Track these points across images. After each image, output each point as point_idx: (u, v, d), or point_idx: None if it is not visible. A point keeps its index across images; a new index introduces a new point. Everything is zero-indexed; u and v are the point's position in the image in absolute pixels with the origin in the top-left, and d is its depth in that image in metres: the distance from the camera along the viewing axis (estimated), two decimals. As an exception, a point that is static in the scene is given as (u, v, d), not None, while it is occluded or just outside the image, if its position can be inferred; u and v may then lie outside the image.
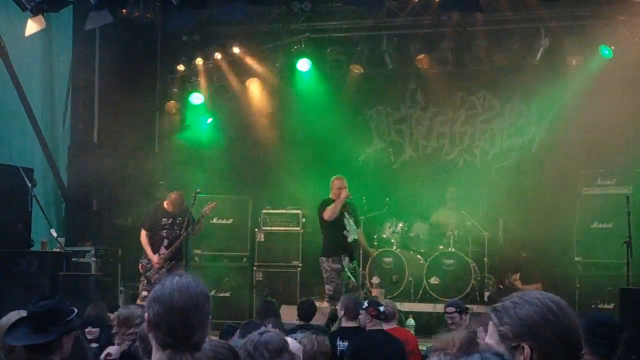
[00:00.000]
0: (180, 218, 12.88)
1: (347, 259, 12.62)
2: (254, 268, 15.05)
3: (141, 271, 12.85)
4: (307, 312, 10.24)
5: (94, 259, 13.44)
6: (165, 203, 13.10)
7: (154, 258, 12.74)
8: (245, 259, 15.21)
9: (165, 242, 12.82)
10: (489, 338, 2.77)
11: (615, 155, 13.72)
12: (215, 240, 14.93)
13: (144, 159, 15.83)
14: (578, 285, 13.39)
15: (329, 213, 12.63)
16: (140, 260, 12.90)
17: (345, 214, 12.71)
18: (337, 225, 12.67)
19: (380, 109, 16.53)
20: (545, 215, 14.20)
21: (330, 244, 12.71)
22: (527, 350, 2.66)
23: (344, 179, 12.88)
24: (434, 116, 16.26)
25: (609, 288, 12.65)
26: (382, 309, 8.92)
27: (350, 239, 12.70)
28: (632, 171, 13.60)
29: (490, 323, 2.77)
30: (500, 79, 15.43)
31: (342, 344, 8.88)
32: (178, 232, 12.82)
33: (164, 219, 12.95)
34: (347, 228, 12.68)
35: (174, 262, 12.79)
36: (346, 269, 12.55)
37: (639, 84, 13.95)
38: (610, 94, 13.88)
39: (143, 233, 12.96)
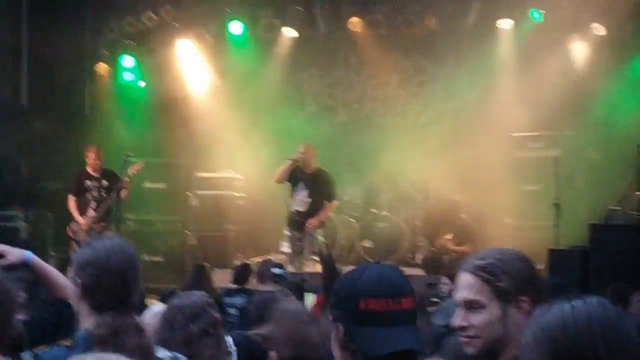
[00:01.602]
0: (105, 180, 12.71)
1: (289, 230, 12.66)
2: (187, 232, 14.98)
3: (71, 235, 12.69)
4: (242, 275, 10.24)
5: (24, 224, 13.25)
6: (87, 166, 12.90)
7: (81, 220, 12.57)
8: (178, 223, 15.13)
9: (93, 204, 12.64)
10: (467, 292, 2.83)
11: (544, 119, 13.90)
12: (148, 204, 14.81)
13: (74, 122, 15.57)
14: (508, 247, 13.55)
15: (275, 175, 12.64)
16: (69, 225, 12.74)
17: (301, 183, 12.62)
18: (289, 192, 12.67)
19: (314, 72, 16.50)
20: (476, 178, 14.34)
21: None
22: (528, 302, 2.75)
23: (308, 146, 12.79)
24: (367, 79, 16.29)
25: (538, 249, 12.86)
26: (277, 271, 9.03)
27: (292, 209, 12.67)
28: (560, 134, 13.82)
29: (471, 278, 2.83)
30: (432, 42, 15.50)
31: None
32: (105, 194, 12.65)
33: (87, 181, 12.73)
34: (294, 196, 12.64)
35: (103, 224, 12.64)
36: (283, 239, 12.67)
37: (567, 48, 14.14)
38: (540, 57, 14.04)
39: (70, 198, 12.78)
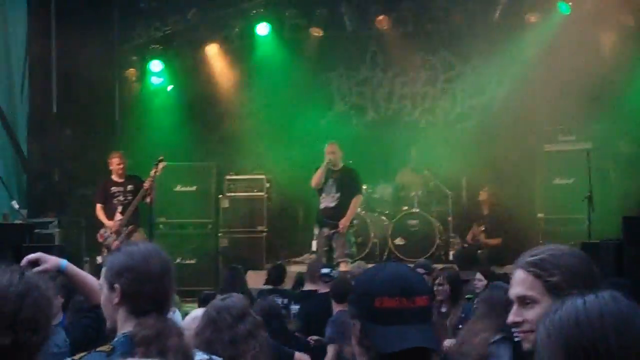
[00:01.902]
0: (131, 185, 12.75)
1: (318, 227, 12.69)
2: (219, 234, 15.03)
3: (100, 240, 12.72)
4: (277, 276, 10.31)
5: (58, 230, 13.34)
6: (111, 173, 12.95)
7: (110, 223, 12.59)
8: (210, 226, 15.17)
9: (120, 208, 12.66)
10: (519, 288, 2.85)
11: (574, 112, 13.80)
12: (179, 208, 14.88)
13: (104, 129, 15.68)
14: (541, 241, 13.49)
15: (313, 180, 12.68)
16: (99, 231, 12.77)
17: (330, 180, 12.67)
18: (319, 191, 12.72)
19: (341, 71, 16.52)
20: (508, 172, 14.29)
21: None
22: None
23: (333, 144, 12.81)
24: (395, 77, 16.28)
25: (572, 243, 12.76)
26: (326, 271, 9.11)
27: (322, 206, 12.69)
28: (591, 127, 13.73)
29: (524, 274, 2.84)
30: (460, 38, 15.47)
31: (294, 307, 9.05)
32: (131, 198, 12.70)
33: (113, 188, 12.73)
34: (323, 194, 12.68)
35: (131, 226, 12.66)
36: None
37: (596, 39, 14.05)
38: (569, 50, 13.94)
39: (98, 207, 12.76)
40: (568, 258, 2.81)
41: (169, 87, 16.27)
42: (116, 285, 3.36)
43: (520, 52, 14.80)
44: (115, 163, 12.86)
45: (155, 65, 16.01)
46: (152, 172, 12.46)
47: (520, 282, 2.85)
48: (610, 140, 13.82)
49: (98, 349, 3.31)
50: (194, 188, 15.13)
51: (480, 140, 14.78)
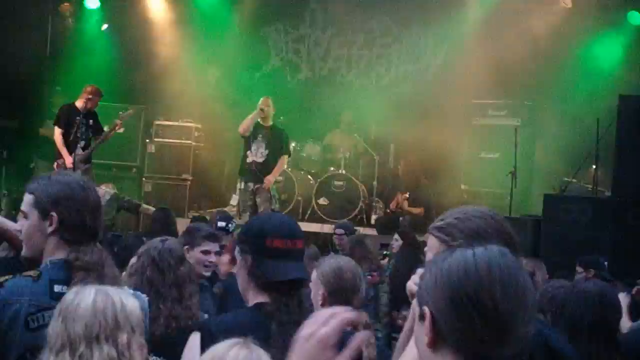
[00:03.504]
0: (92, 120, 12.54)
1: (244, 181, 12.65)
2: (143, 179, 14.91)
3: (56, 170, 12.37)
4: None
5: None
6: (79, 101, 12.65)
7: (68, 159, 12.31)
8: (134, 170, 15.04)
9: (82, 142, 12.40)
10: (429, 253, 2.84)
11: (506, 88, 13.98)
12: (105, 149, 14.67)
13: (33, 62, 15.33)
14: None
15: (241, 127, 12.60)
16: (56, 160, 12.43)
17: (260, 136, 12.61)
18: (245, 145, 12.66)
19: (279, 27, 16.41)
20: (435, 142, 14.41)
21: (240, 162, 12.81)
22: None
23: (268, 99, 12.68)
24: (332, 37, 16.24)
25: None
26: (222, 224, 9.11)
27: (249, 160, 12.64)
28: (522, 104, 13.93)
29: (433, 239, 2.85)
30: (400, 4, 15.46)
31: None
32: (90, 134, 12.48)
33: (77, 117, 12.45)
34: (252, 148, 12.62)
35: (88, 165, 12.49)
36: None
37: (532, 17, 14.19)
38: (505, 27, 14.06)
39: (57, 131, 12.40)
40: (474, 221, 2.80)
41: (104, 26, 15.97)
42: (53, 214, 3.32)
43: (459, 24, 14.88)
44: (89, 92, 12.55)
45: (91, 2, 15.70)
46: (122, 115, 12.67)
47: (430, 247, 2.86)
48: (539, 119, 14.05)
49: (24, 274, 3.28)
50: (120, 130, 14.94)
51: (411, 107, 14.83)
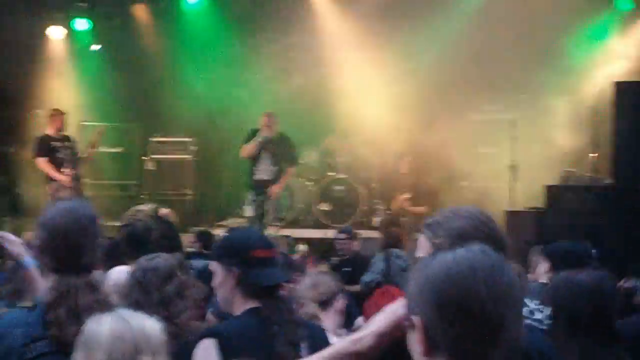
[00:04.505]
0: (68, 142, 12.61)
1: (253, 194, 12.65)
2: (143, 197, 14.89)
3: (50, 194, 12.38)
4: (206, 241, 10.22)
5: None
6: (48, 128, 12.73)
7: (62, 177, 12.36)
8: (134, 188, 15.03)
9: (67, 163, 12.46)
10: (420, 251, 2.87)
11: (501, 81, 13.95)
12: (104, 169, 14.70)
13: (25, 86, 15.32)
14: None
15: (243, 152, 12.67)
16: (48, 184, 12.46)
17: (265, 152, 12.60)
18: (253, 161, 12.65)
19: (270, 35, 16.38)
20: (433, 140, 14.37)
21: (247, 177, 12.81)
22: None
23: (270, 116, 12.70)
24: (323, 43, 16.21)
25: (495, 211, 12.93)
26: None
27: (256, 177, 12.64)
28: (517, 97, 13.90)
29: (422, 237, 2.88)
30: (389, 4, 15.43)
31: None
32: (72, 155, 12.54)
33: (52, 142, 12.57)
34: (258, 165, 12.62)
35: (78, 182, 12.57)
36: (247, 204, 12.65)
37: (524, 11, 14.16)
38: (497, 20, 14.03)
39: (40, 160, 12.52)
40: (457, 220, 2.82)
41: (94, 47, 15.96)
42: (36, 240, 3.33)
43: (451, 19, 14.85)
44: (60, 119, 12.69)
45: (81, 23, 15.70)
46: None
47: (419, 244, 2.90)
48: (535, 111, 14.00)
49: (21, 305, 3.30)
50: (119, 150, 14.95)
51: (407, 107, 14.81)
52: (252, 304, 3.62)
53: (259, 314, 3.60)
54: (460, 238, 2.70)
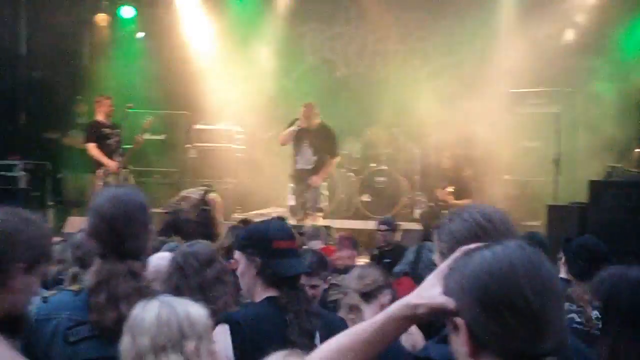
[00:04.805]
0: (117, 129, 12.79)
1: (295, 183, 12.65)
2: (184, 184, 14.94)
3: (99, 180, 12.50)
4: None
5: (23, 174, 13.20)
6: (97, 114, 12.88)
7: (111, 163, 12.54)
8: (176, 175, 15.11)
9: (117, 150, 12.68)
10: (435, 253, 2.87)
11: (545, 74, 13.83)
12: (147, 156, 14.78)
13: (73, 72, 15.49)
14: (507, 203, 13.56)
15: (281, 138, 12.65)
16: (96, 171, 12.62)
17: (305, 143, 12.56)
18: (293, 151, 12.65)
19: (314, 25, 16.41)
20: (476, 133, 14.29)
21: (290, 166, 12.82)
22: None
23: (310, 107, 12.43)
24: (368, 34, 16.20)
25: (538, 205, 12.85)
26: None
27: (298, 166, 12.64)
28: (562, 90, 13.77)
29: (436, 239, 2.87)
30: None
31: None
32: (119, 142, 12.73)
33: (104, 129, 12.74)
34: (299, 156, 12.62)
35: (129, 169, 12.77)
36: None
37: (567, 6, 14.05)
38: (541, 14, 13.93)
39: (91, 145, 12.65)
40: (456, 223, 2.79)
41: (139, 34, 16.08)
42: (85, 226, 3.38)
43: (494, 12, 14.77)
44: (107, 105, 12.87)
45: (127, 11, 15.82)
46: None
47: (435, 245, 2.89)
48: (580, 105, 13.87)
49: (68, 288, 3.36)
50: (162, 137, 15.03)
51: (450, 99, 14.73)
52: (271, 293, 3.73)
53: (276, 302, 3.70)
54: (458, 243, 2.63)
